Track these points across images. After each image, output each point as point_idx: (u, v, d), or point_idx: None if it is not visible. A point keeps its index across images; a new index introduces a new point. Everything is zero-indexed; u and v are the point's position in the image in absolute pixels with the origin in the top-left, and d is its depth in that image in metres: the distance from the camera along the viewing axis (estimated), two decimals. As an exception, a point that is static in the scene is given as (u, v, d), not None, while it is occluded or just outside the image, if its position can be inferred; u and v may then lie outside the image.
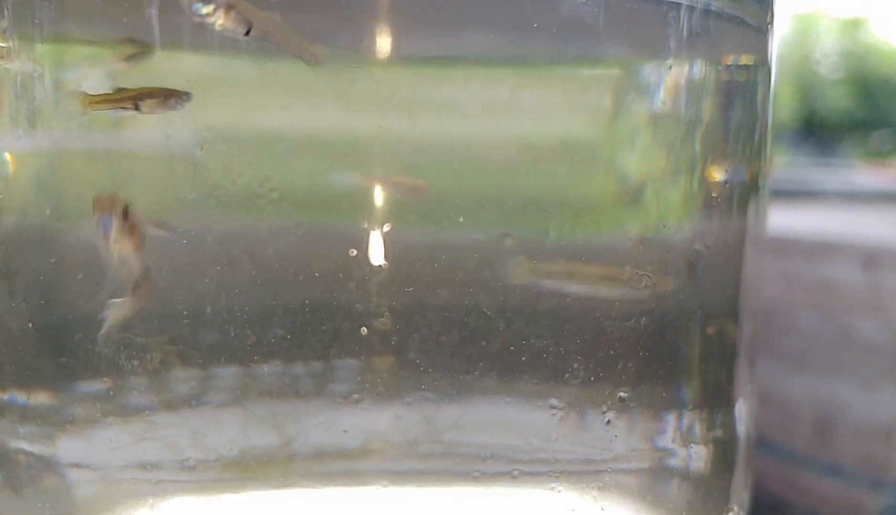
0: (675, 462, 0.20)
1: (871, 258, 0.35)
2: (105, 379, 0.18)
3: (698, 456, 0.21)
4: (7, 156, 0.19)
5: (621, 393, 0.19)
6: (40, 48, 0.18)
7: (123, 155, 0.18)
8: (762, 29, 0.21)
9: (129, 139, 0.18)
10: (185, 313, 0.18)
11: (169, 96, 0.17)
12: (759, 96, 0.22)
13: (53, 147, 0.18)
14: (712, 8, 0.19)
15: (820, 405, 0.36)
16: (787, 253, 0.39)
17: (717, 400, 0.21)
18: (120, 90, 0.17)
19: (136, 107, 0.17)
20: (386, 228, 0.18)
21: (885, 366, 0.35)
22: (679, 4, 0.19)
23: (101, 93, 0.17)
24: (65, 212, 0.19)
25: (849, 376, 0.36)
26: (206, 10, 0.16)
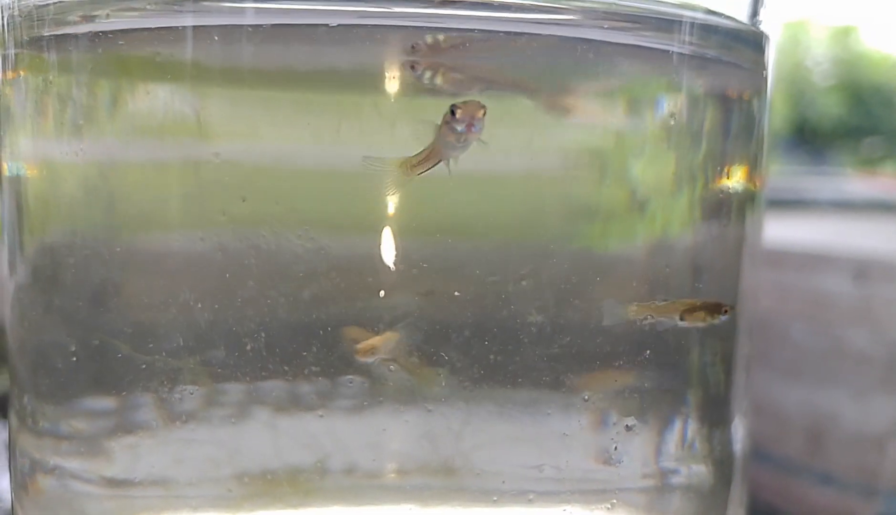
0: (676, 480, 0.21)
1: (862, 270, 0.36)
2: (136, 396, 0.19)
3: (698, 475, 0.22)
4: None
5: (628, 422, 0.20)
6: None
7: (163, 172, 0.19)
8: (757, 70, 0.22)
9: (174, 156, 0.19)
10: (217, 335, 0.18)
11: (715, 311, 0.17)
12: (755, 123, 0.23)
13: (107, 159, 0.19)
14: (708, 55, 0.20)
15: (813, 414, 0.37)
16: (781, 264, 0.39)
17: (715, 420, 0.22)
18: (671, 303, 0.18)
19: (681, 318, 0.18)
20: (403, 249, 0.18)
21: (877, 377, 0.35)
22: (682, 53, 0.20)
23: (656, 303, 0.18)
24: (114, 224, 0.19)
25: (841, 386, 0.36)
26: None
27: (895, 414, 0.34)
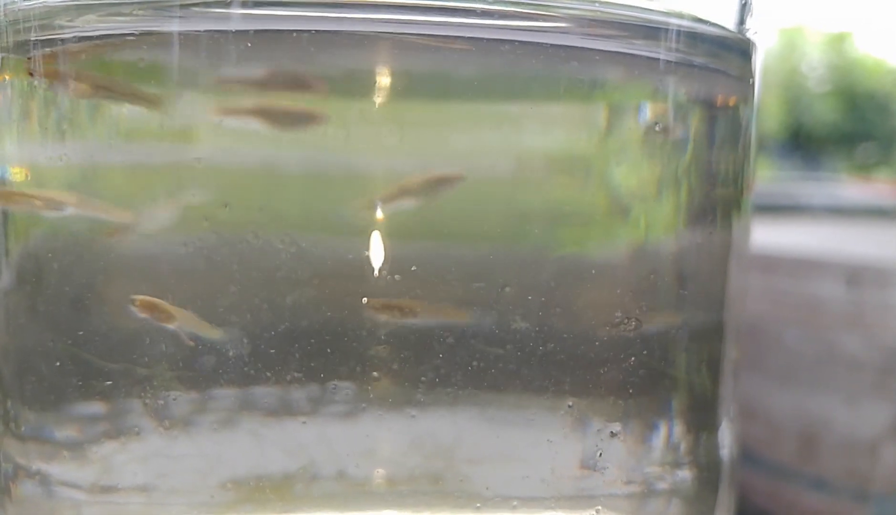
0: (662, 486, 0.21)
1: (855, 276, 0.36)
2: (120, 401, 0.19)
3: (684, 481, 0.22)
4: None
5: (612, 429, 0.20)
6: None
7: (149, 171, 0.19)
8: (744, 77, 0.22)
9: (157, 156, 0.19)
10: (200, 341, 0.18)
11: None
12: (742, 129, 0.23)
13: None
14: (695, 63, 0.20)
15: (805, 419, 0.37)
16: (774, 269, 0.39)
17: (701, 425, 0.22)
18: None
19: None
20: (387, 254, 0.18)
21: (869, 382, 0.35)
22: (668, 61, 0.20)
23: None
24: (95, 229, 0.19)
25: (833, 391, 0.36)
26: None
27: (887, 419, 0.34)
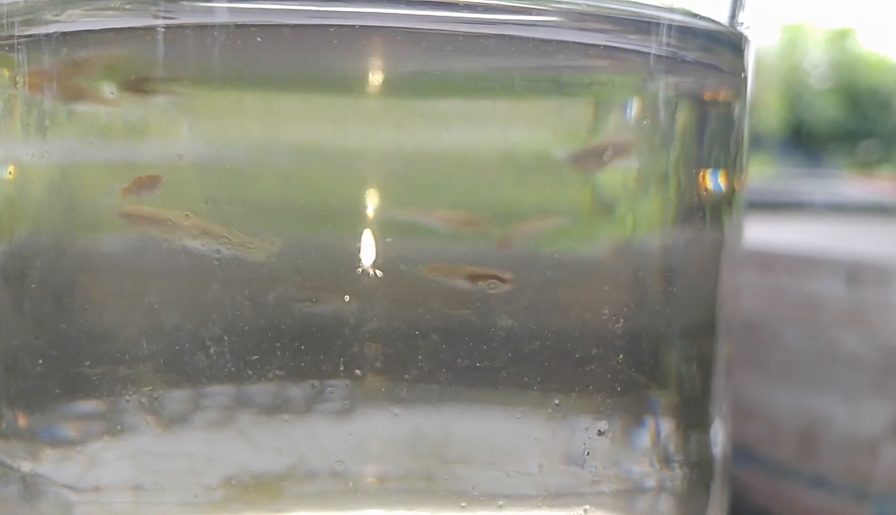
0: (652, 484, 0.21)
1: (855, 273, 0.36)
2: (106, 399, 0.19)
3: (674, 479, 0.22)
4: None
5: (600, 427, 0.19)
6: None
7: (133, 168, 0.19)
8: (736, 72, 0.22)
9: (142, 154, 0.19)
10: (182, 339, 0.18)
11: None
12: (734, 125, 0.23)
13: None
14: (686, 57, 0.20)
15: (805, 418, 0.37)
16: (773, 267, 0.39)
17: (692, 423, 0.22)
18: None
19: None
20: (370, 250, 0.18)
21: (869, 380, 0.35)
22: (659, 55, 0.20)
23: None
24: (77, 226, 0.19)
25: (833, 389, 0.36)
26: None
27: (887, 418, 0.34)
